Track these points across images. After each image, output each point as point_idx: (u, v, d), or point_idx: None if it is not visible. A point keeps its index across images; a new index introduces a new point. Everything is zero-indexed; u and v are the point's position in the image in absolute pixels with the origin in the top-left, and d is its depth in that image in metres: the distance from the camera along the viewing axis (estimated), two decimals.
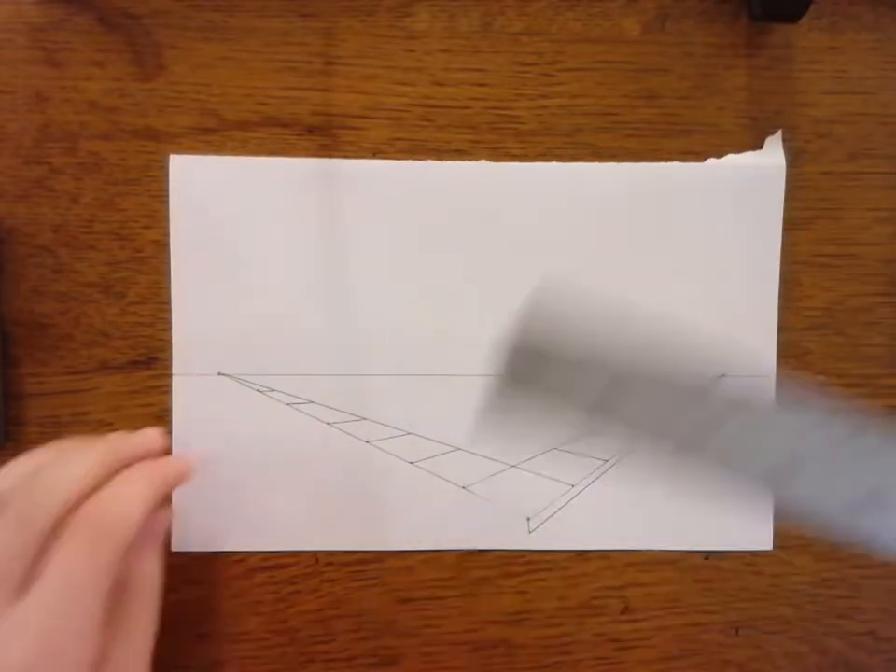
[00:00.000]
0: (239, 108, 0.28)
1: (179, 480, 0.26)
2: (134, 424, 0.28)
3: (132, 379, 0.28)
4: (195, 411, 0.28)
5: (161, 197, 0.28)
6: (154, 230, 0.28)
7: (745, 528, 0.29)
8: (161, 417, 0.28)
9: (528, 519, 0.29)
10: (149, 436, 0.27)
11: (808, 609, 0.30)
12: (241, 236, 0.28)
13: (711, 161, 0.29)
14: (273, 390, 0.28)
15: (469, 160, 0.29)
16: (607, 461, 0.29)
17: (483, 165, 0.29)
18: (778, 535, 0.29)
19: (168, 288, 0.28)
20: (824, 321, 0.29)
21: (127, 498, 0.23)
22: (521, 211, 0.29)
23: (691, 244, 0.29)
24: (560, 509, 0.29)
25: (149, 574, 0.25)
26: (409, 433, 0.29)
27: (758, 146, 0.29)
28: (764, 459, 0.21)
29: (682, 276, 0.29)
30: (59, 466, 0.23)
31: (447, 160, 0.28)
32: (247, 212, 0.28)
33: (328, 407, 0.28)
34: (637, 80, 0.29)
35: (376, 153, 0.28)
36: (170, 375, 0.28)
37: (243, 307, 0.28)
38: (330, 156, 0.28)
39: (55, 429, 0.28)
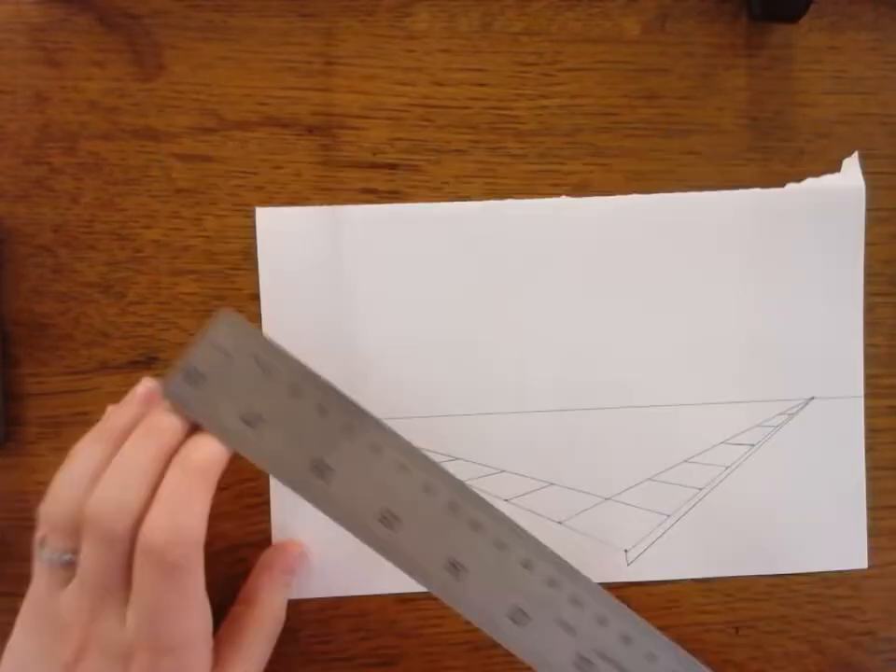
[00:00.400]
0: (239, 108, 0.28)
1: (218, 465, 0.24)
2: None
3: (132, 379, 0.28)
4: None
5: (161, 196, 0.28)
6: (154, 230, 0.28)
7: (840, 548, 0.29)
8: None
9: (626, 551, 0.29)
10: (171, 421, 0.23)
11: (808, 608, 0.30)
12: (331, 286, 0.28)
13: (790, 186, 0.29)
14: None
15: (470, 160, 0.29)
16: (701, 489, 0.29)
17: (562, 201, 0.29)
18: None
19: (168, 288, 0.28)
20: None
21: (185, 519, 0.21)
22: (604, 245, 0.29)
23: (773, 270, 0.29)
24: (658, 538, 0.29)
25: (271, 603, 0.26)
26: (502, 471, 0.28)
27: (758, 145, 0.29)
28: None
29: (765, 303, 0.29)
30: (118, 478, 0.22)
31: (447, 160, 0.29)
32: (334, 263, 0.28)
33: (421, 449, 0.28)
34: (637, 80, 0.29)
35: (376, 153, 0.28)
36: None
37: (333, 356, 0.28)
38: (330, 156, 0.28)
39: (55, 429, 0.28)
